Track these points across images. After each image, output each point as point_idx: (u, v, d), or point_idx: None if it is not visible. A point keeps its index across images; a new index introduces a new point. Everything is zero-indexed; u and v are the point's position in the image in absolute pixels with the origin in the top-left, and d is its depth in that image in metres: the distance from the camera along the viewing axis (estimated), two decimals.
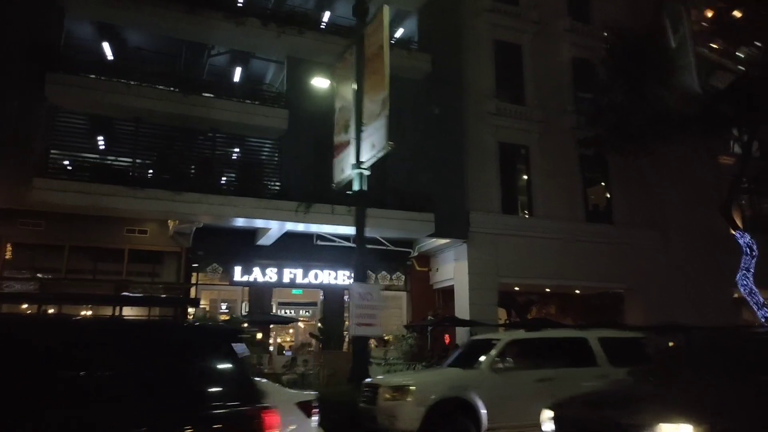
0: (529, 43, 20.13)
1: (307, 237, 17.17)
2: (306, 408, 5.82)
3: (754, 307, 14.88)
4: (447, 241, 17.66)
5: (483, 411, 8.35)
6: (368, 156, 10.98)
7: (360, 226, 10.93)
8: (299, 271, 17.33)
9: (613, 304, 20.90)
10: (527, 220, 18.80)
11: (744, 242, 15.34)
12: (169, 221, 15.25)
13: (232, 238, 16.33)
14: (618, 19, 18.38)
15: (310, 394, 6.31)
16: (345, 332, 17.84)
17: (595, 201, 20.75)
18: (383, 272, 18.75)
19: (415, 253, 18.80)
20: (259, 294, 17.11)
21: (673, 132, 15.25)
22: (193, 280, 16.36)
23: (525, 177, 19.38)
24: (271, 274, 17.01)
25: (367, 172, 11.17)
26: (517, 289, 19.75)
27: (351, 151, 11.46)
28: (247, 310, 17.03)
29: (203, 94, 15.01)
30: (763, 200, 23.40)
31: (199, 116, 14.57)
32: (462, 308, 17.23)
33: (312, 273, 17.47)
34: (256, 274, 16.86)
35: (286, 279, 17.19)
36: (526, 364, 9.15)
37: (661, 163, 20.71)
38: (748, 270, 15.07)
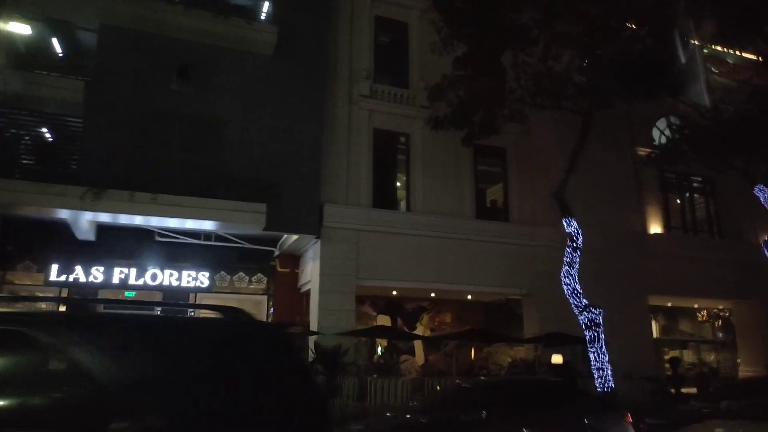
0: (417, 20, 18.12)
1: (146, 232, 15.19)
2: None
3: (576, 310, 12.65)
4: (313, 238, 15.58)
5: None
6: None
7: None
8: (132, 271, 15.25)
9: (518, 312, 18.75)
10: (404, 215, 16.69)
11: (570, 231, 13.08)
12: None
13: (48, 231, 14.31)
14: None
15: None
16: None
17: (488, 196, 18.65)
18: (240, 273, 16.66)
19: (278, 252, 16.72)
20: (82, 296, 15.02)
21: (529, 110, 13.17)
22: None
23: (405, 168, 17.28)
24: (96, 274, 14.92)
25: None
26: (394, 293, 17.60)
27: None
28: None
29: None
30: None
31: None
32: (315, 314, 15.11)
33: (149, 273, 15.39)
34: (78, 274, 14.78)
35: (115, 279, 15.09)
36: None
37: (566, 154, 18.64)
38: (570, 265, 12.83)
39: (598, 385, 11.87)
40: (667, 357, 17.74)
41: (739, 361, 20.85)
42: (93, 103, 13.26)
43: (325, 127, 15.97)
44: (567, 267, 12.80)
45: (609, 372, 11.76)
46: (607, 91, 12.63)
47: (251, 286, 16.81)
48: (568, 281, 12.70)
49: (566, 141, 18.66)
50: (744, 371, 20.26)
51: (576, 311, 12.55)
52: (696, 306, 21.83)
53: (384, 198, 16.67)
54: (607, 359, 12.00)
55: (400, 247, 16.06)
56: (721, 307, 21.97)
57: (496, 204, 18.57)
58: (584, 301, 12.50)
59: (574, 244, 12.91)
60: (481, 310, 19.39)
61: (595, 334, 12.03)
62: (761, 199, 13.70)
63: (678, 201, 20.57)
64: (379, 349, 16.47)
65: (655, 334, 21.54)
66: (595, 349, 12.10)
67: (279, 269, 16.79)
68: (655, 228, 19.17)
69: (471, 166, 17.90)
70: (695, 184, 20.56)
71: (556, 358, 14.83)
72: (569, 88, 12.83)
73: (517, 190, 18.33)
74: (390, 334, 15.33)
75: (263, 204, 13.64)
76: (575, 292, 12.60)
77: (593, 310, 12.28)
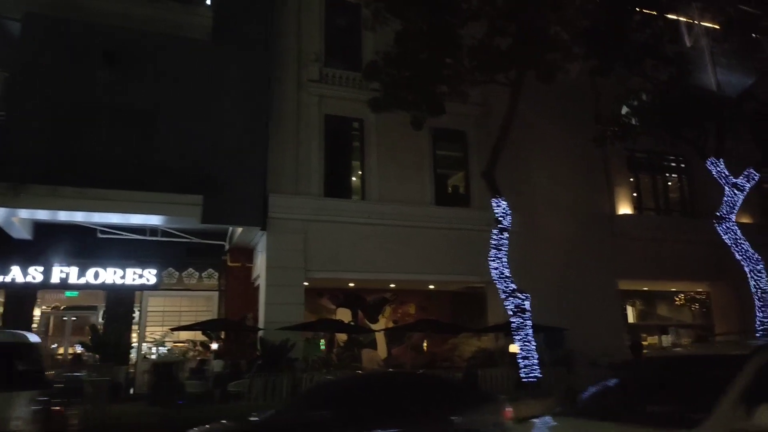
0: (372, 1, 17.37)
1: (88, 230, 14.62)
2: None
3: (502, 296, 11.98)
4: (258, 230, 14.96)
5: None
6: None
7: None
8: (74, 270, 14.68)
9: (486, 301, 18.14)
10: (357, 204, 16.05)
11: (498, 212, 12.37)
12: None
13: None
14: None
15: None
16: (133, 342, 15.26)
17: (449, 182, 18.00)
18: (190, 269, 16.09)
19: (228, 246, 16.12)
20: (19, 298, 14.47)
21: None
22: None
23: (359, 155, 16.62)
24: (35, 274, 14.37)
25: None
26: (351, 285, 16.98)
27: None
28: None
29: None
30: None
31: None
32: (263, 308, 14.53)
33: (91, 271, 14.81)
34: (15, 274, 14.23)
35: (55, 279, 14.54)
36: None
37: (533, 137, 18.00)
38: (498, 248, 12.13)
39: (522, 375, 11.27)
40: (628, 343, 17.10)
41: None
42: (15, 96, 12.62)
43: (272, 115, 15.33)
44: (494, 250, 12.12)
45: (535, 361, 11.14)
46: (545, 62, 11.94)
47: (202, 282, 16.24)
48: (495, 265, 12.03)
49: (530, 122, 18.10)
50: None
51: (503, 296, 11.89)
52: (673, 289, 21.18)
53: (337, 187, 16.03)
54: (534, 347, 11.38)
55: (355, 237, 15.45)
56: (700, 290, 21.32)
57: (457, 189, 17.92)
58: (512, 285, 11.83)
59: (500, 226, 12.22)
60: (448, 300, 18.77)
61: (521, 320, 11.39)
62: (713, 172, 13.03)
63: (650, 181, 19.88)
64: (319, 345, 15.78)
65: (631, 319, 20.99)
66: (520, 337, 11.48)
67: (230, 264, 16.21)
68: (625, 209, 18.50)
69: (430, 151, 17.27)
70: (667, 164, 19.85)
71: (513, 348, 14.23)
72: (504, 61, 12.13)
73: (478, 174, 17.62)
74: (335, 327, 14.74)
75: (199, 196, 13.02)
76: (503, 276, 11.93)
77: (520, 296, 11.62)
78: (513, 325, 11.64)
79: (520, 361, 11.31)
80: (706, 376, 3.99)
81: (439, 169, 17.47)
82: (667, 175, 20.35)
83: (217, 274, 16.33)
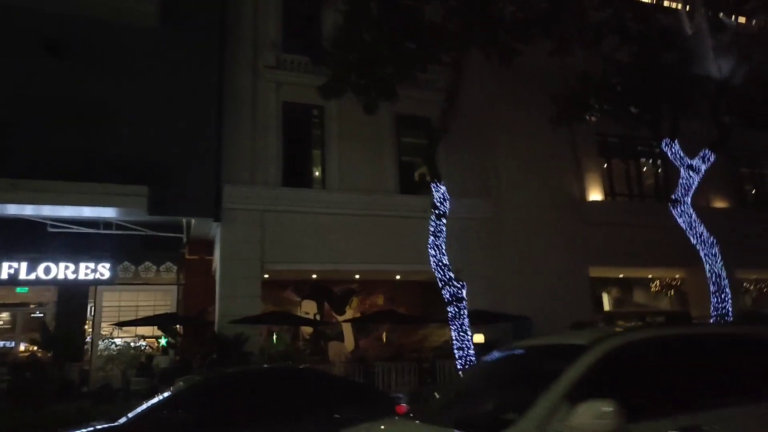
0: None
1: (37, 224, 14.20)
2: None
3: (440, 284, 11.59)
4: (211, 221, 14.55)
5: None
6: None
7: None
8: (23, 265, 14.27)
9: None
10: (317, 193, 15.63)
11: (437, 197, 11.91)
12: None
13: None
14: None
15: None
16: (87, 339, 14.87)
17: (415, 170, 17.59)
18: (147, 263, 15.67)
19: (186, 239, 15.71)
20: None
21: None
22: None
23: (320, 143, 16.19)
24: None
25: None
26: (314, 276, 16.59)
27: None
28: None
29: None
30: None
31: None
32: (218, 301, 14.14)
33: (42, 266, 14.40)
34: None
35: (3, 275, 14.14)
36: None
37: (500, 123, 17.59)
38: (436, 235, 11.73)
39: (458, 366, 10.90)
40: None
41: None
42: None
43: (227, 102, 14.88)
44: (432, 237, 11.71)
45: (471, 352, 10.77)
46: (499, 43, 11.51)
47: (160, 276, 15.84)
48: (433, 252, 11.63)
49: (498, 108, 17.68)
50: None
51: (440, 285, 11.50)
52: (650, 276, 20.84)
53: (296, 176, 15.61)
54: (470, 337, 11.01)
55: (315, 228, 15.04)
56: (677, 276, 20.97)
57: (424, 177, 17.49)
58: (449, 274, 11.44)
59: (437, 212, 11.80)
60: (417, 291, 18.39)
61: (457, 310, 11.01)
62: (668, 154, 12.64)
63: (623, 166, 19.47)
64: (275, 337, 15.37)
65: (607, 307, 20.66)
66: (455, 326, 11.09)
67: (188, 257, 15.81)
68: (595, 195, 18.12)
69: (393, 139, 16.88)
70: (641, 148, 19.43)
71: (478, 337, 13.89)
72: (454, 42, 11.69)
73: (444, 161, 17.20)
74: (286, 320, 14.35)
75: (144, 186, 12.60)
76: (441, 264, 11.52)
77: (456, 284, 11.23)
78: (449, 314, 11.26)
79: (455, 351, 10.94)
80: (542, 370, 3.55)
81: (403, 156, 17.07)
82: (642, 160, 19.95)
83: (175, 267, 15.93)
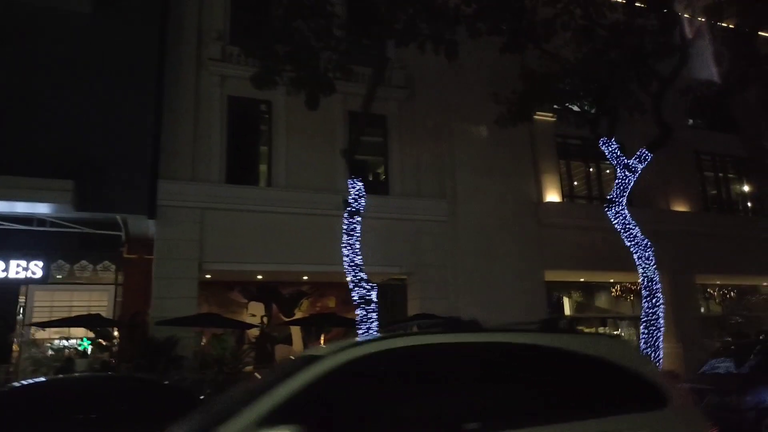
0: None
1: None
2: None
3: (351, 285, 11.10)
4: (151, 219, 13.93)
5: None
6: None
7: None
8: None
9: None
10: (263, 191, 15.08)
11: (353, 193, 11.33)
12: None
13: None
14: None
15: None
16: (14, 339, 14.18)
17: (367, 168, 17.09)
18: (83, 262, 15.01)
19: (124, 237, 15.06)
20: None
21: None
22: None
23: (267, 139, 15.63)
24: None
25: None
26: (260, 277, 16.04)
27: None
28: None
29: None
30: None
31: None
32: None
33: None
34: None
35: None
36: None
37: (457, 122, 17.15)
38: (349, 234, 11.24)
39: None
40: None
41: None
42: None
43: (168, 95, 14.27)
44: (346, 236, 11.20)
45: None
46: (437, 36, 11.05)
47: (97, 275, 15.18)
48: (346, 252, 11.12)
49: (453, 107, 17.22)
50: None
51: (351, 286, 10.99)
52: (611, 280, 20.51)
53: (241, 172, 15.04)
54: None
55: (260, 227, 14.48)
56: (638, 281, 20.62)
57: (378, 177, 17.04)
58: (360, 274, 10.93)
59: (350, 209, 11.29)
60: None
61: (365, 312, 10.52)
62: (606, 153, 12.27)
63: (582, 168, 19.13)
64: (228, 342, 14.77)
65: (568, 311, 20.30)
66: (363, 330, 10.62)
67: (126, 255, 15.15)
68: (553, 196, 17.74)
69: (346, 136, 16.31)
70: (601, 150, 19.03)
71: None
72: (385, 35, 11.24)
73: (399, 160, 16.79)
74: (219, 322, 13.74)
75: (69, 181, 11.96)
76: (353, 264, 11.01)
77: (365, 285, 10.73)
78: (358, 317, 10.76)
79: None
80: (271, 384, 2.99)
81: (356, 155, 16.51)
82: (602, 162, 19.60)
83: (114, 266, 15.27)
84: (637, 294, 20.71)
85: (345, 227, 11.25)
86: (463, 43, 13.04)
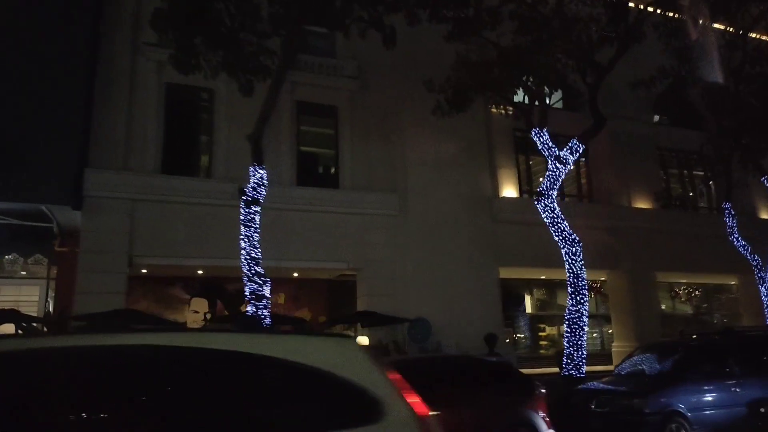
0: None
1: None
2: None
3: (244, 279, 10.46)
4: (76, 210, 13.28)
5: None
6: None
7: None
8: None
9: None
10: (202, 182, 14.50)
11: (252, 182, 10.53)
12: None
13: None
14: None
15: None
16: None
17: (316, 160, 16.55)
18: (13, 255, 14.34)
19: (57, 229, 14.39)
20: None
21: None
22: None
23: (207, 128, 15.02)
24: None
25: None
26: (200, 272, 15.43)
27: None
28: None
29: None
30: None
31: None
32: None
33: None
34: None
35: None
36: None
37: (408, 114, 16.60)
38: (247, 224, 10.56)
39: None
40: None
41: (611, 332, 19.35)
42: None
43: (100, 81, 13.62)
44: (243, 227, 10.58)
45: None
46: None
47: (28, 269, 14.52)
48: (243, 245, 10.53)
49: (404, 101, 16.66)
50: (616, 346, 18.69)
51: (244, 280, 10.38)
52: None
53: (178, 163, 14.43)
54: None
55: (197, 220, 13.89)
56: (603, 278, 20.26)
57: (327, 169, 16.48)
58: (255, 269, 10.32)
59: (247, 198, 10.66)
60: (323, 289, 17.35)
61: (255, 309, 9.94)
62: (537, 143, 11.80)
63: (542, 163, 18.64)
64: None
65: (529, 309, 19.88)
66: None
67: (57, 249, 14.49)
68: (509, 191, 17.27)
69: (293, 127, 15.76)
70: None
71: (362, 340, 12.93)
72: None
73: (350, 152, 16.23)
74: (134, 319, 13.12)
75: None
76: (250, 257, 10.38)
77: (258, 280, 10.14)
78: (248, 313, 10.17)
79: None
80: None
81: (303, 146, 15.99)
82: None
83: (46, 260, 14.61)
84: (598, 291, 20.42)
85: (242, 218, 10.56)
86: (416, 33, 12.55)
